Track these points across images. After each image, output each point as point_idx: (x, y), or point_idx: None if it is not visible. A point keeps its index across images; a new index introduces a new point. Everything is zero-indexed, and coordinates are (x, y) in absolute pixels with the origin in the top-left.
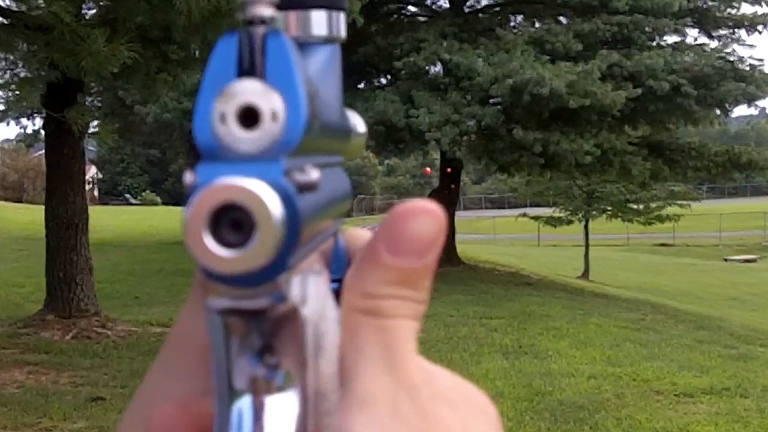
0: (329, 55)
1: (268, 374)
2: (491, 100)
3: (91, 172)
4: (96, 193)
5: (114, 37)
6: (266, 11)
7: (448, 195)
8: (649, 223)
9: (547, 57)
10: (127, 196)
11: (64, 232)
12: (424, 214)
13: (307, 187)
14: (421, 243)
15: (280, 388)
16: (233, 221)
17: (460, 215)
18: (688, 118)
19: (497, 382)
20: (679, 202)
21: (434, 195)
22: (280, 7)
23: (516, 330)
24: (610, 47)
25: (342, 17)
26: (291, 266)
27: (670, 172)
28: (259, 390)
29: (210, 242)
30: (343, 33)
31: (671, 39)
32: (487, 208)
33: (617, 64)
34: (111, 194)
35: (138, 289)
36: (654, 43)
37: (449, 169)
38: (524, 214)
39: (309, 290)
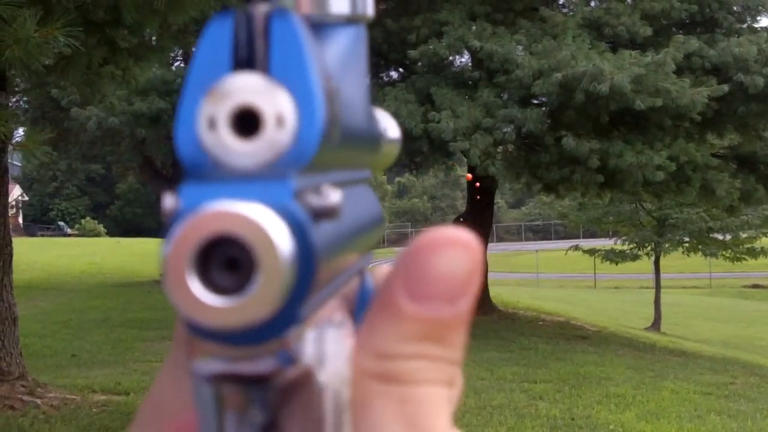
0: (353, 40)
1: None
2: (534, 101)
3: (15, 193)
4: (20, 220)
5: (47, 20)
6: None
7: (477, 223)
8: (738, 259)
9: (607, 44)
10: (61, 224)
11: None
12: (453, 247)
13: (324, 214)
14: (452, 285)
15: None
16: (228, 260)
17: (493, 248)
18: None
19: None
20: None
21: (460, 223)
22: None
23: (567, 397)
24: (688, 31)
25: None
26: (303, 318)
27: (766, 193)
28: None
29: (197, 287)
30: (370, 10)
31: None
32: (528, 239)
33: (697, 54)
34: (40, 222)
35: (75, 345)
36: (745, 26)
37: (477, 184)
38: (576, 247)
39: (327, 348)
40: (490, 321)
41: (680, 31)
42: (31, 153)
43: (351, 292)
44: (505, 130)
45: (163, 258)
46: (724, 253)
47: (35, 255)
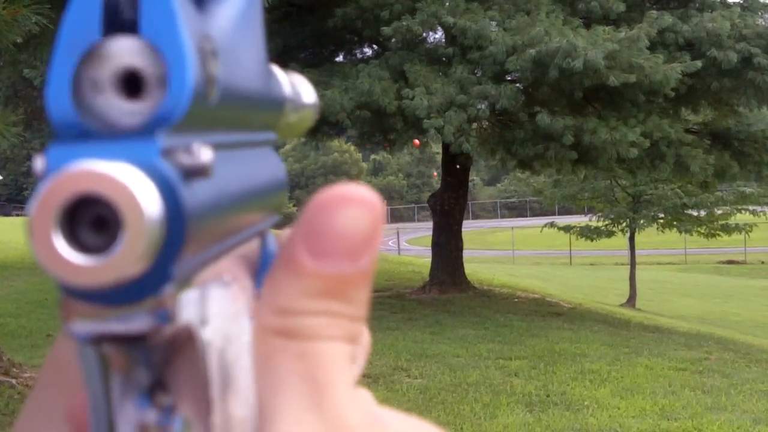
0: (245, 4)
1: (162, 419)
2: (508, 77)
3: None
4: None
5: None
6: None
7: (452, 200)
8: (713, 235)
9: (581, 20)
10: None
11: None
12: (353, 204)
13: (195, 172)
14: (352, 241)
15: None
16: (95, 219)
17: (468, 226)
18: (762, 99)
19: None
20: (751, 207)
21: (435, 200)
22: None
23: (542, 374)
24: (662, 7)
25: None
26: (177, 276)
27: (740, 169)
28: None
29: (62, 246)
30: None
31: None
32: (503, 216)
33: (670, 29)
34: (14, 201)
35: (51, 325)
36: (718, 1)
37: (457, 166)
38: (552, 224)
39: (211, 307)
40: (465, 298)
41: (654, 7)
42: (2, 134)
43: (252, 253)
44: (479, 106)
45: (29, 218)
46: (698, 229)
47: (10, 234)
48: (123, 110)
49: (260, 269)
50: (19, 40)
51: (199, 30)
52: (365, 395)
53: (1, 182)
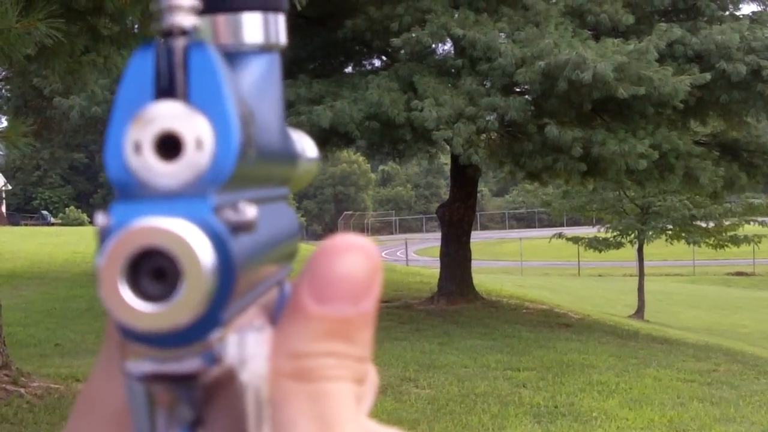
0: (267, 67)
1: None
2: (517, 89)
3: None
4: (3, 209)
5: (29, 10)
6: (187, 20)
7: (461, 210)
8: (722, 247)
9: (590, 32)
10: (45, 213)
11: None
12: (353, 252)
13: (241, 228)
14: (353, 286)
15: None
16: (155, 270)
17: (477, 237)
18: None
19: None
20: (760, 218)
21: (444, 211)
22: (206, 10)
23: (550, 385)
24: (671, 19)
25: (281, 20)
26: (225, 321)
27: (749, 180)
28: None
29: (128, 295)
30: (283, 38)
31: (749, 8)
32: (512, 227)
33: (679, 42)
34: (23, 211)
35: (59, 335)
36: (727, 14)
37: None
38: (560, 235)
39: (248, 350)
40: (474, 309)
41: (662, 19)
42: (13, 143)
43: (271, 301)
44: (488, 118)
45: (97, 269)
46: (707, 240)
47: (18, 244)
48: (164, 169)
49: (276, 315)
50: (31, 52)
51: (237, 94)
52: (374, 428)
53: (11, 192)
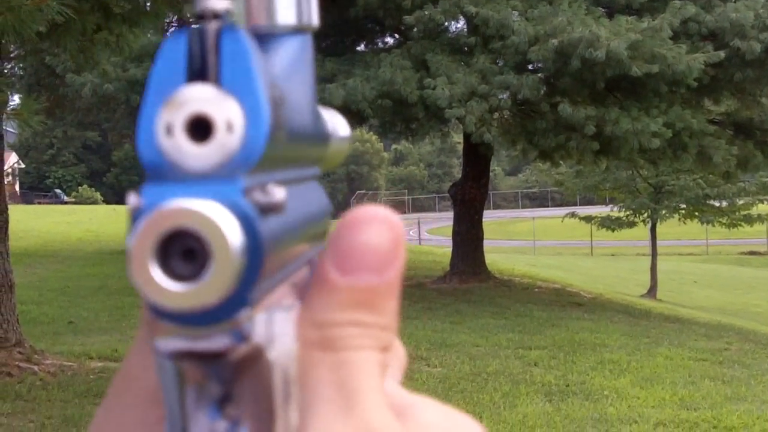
0: (299, 48)
1: (230, 429)
2: (530, 67)
3: (11, 161)
4: (17, 188)
5: None
6: (220, 3)
7: (473, 190)
8: (735, 226)
9: (603, 10)
10: (58, 191)
11: None
12: (375, 223)
13: (270, 209)
14: (377, 256)
15: None
16: (185, 250)
17: (489, 216)
18: None
19: (538, 431)
20: None
21: (456, 190)
22: None
23: (562, 364)
24: None
25: (314, 2)
26: (253, 301)
27: (764, 159)
28: None
29: (158, 275)
30: (315, 20)
31: None
32: (524, 206)
33: (693, 19)
34: (36, 190)
35: (72, 313)
36: None
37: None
38: (573, 214)
39: (276, 328)
40: (486, 288)
41: None
42: (26, 121)
43: (302, 280)
44: (500, 96)
45: (129, 249)
46: (720, 219)
47: (32, 222)
48: (195, 151)
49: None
50: (42, 29)
51: (268, 77)
52: (398, 395)
53: (24, 170)
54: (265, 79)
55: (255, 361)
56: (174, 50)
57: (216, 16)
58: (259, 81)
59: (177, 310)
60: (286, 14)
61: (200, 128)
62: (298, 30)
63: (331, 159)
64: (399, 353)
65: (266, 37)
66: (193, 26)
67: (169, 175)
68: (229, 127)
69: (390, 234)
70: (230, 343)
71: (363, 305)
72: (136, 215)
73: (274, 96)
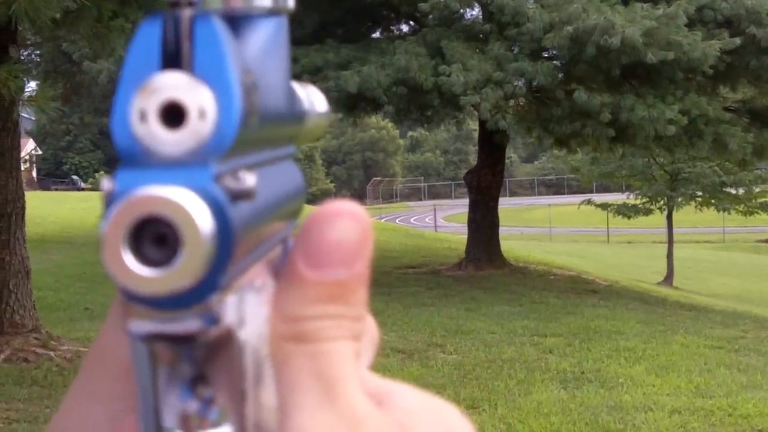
0: (274, 30)
1: (202, 409)
2: (545, 54)
3: (28, 147)
4: (34, 174)
5: None
6: None
7: (489, 177)
8: (752, 213)
9: None
10: (75, 178)
11: None
12: (342, 217)
13: (241, 195)
14: (345, 250)
15: (215, 424)
16: (156, 235)
17: (505, 203)
18: None
19: (553, 418)
20: None
21: (472, 177)
22: None
23: (577, 351)
24: None
25: None
26: (223, 285)
27: None
28: (191, 428)
29: (130, 260)
30: (290, 3)
31: None
32: (540, 193)
33: (709, 6)
34: (53, 176)
35: (88, 299)
36: None
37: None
38: (589, 201)
39: (247, 310)
40: (501, 275)
41: None
42: (42, 107)
43: (274, 257)
44: (516, 83)
45: (101, 235)
46: (737, 207)
47: (49, 208)
48: (168, 137)
49: (280, 271)
50: (57, 15)
51: (241, 64)
52: (376, 382)
53: (41, 157)
54: (238, 65)
55: (226, 342)
56: (148, 36)
57: (190, 3)
58: (231, 68)
59: (149, 294)
60: None
61: (173, 115)
62: (273, 12)
63: (308, 135)
64: (372, 333)
65: (242, 19)
66: (167, 12)
67: (142, 161)
68: (201, 114)
69: (358, 228)
70: (201, 325)
71: (334, 298)
72: (109, 200)
73: (247, 82)
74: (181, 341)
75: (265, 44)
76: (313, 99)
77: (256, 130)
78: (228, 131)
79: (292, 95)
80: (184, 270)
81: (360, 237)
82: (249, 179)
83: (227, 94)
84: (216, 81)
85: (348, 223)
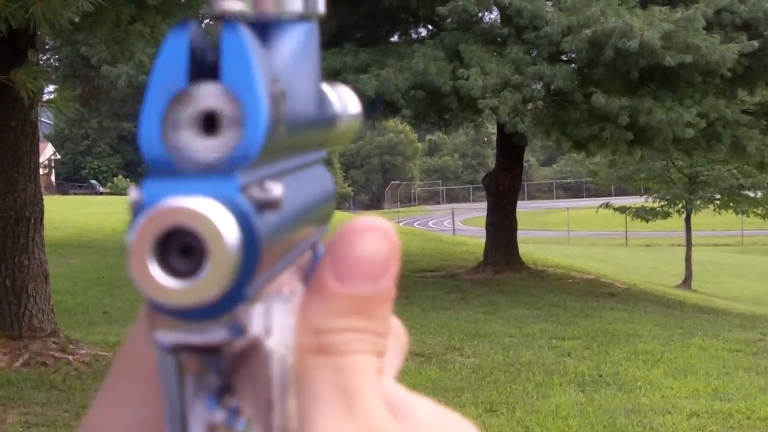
0: (304, 36)
1: (229, 419)
2: (563, 57)
3: (47, 152)
4: (53, 178)
5: None
6: (236, 5)
7: (507, 180)
8: None
9: (637, 0)
10: (93, 182)
11: (12, 228)
12: (371, 232)
13: (267, 205)
14: (372, 265)
15: None
16: (183, 247)
17: (523, 206)
18: None
19: (570, 421)
20: None
21: (490, 180)
22: None
23: (595, 354)
24: None
25: None
26: (250, 296)
27: None
28: None
29: (156, 271)
30: (321, 7)
31: None
32: (559, 197)
33: (727, 9)
34: (72, 180)
35: (107, 303)
36: None
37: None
38: (607, 205)
39: (274, 320)
40: (519, 278)
41: None
42: (61, 110)
43: (304, 262)
44: (534, 87)
45: (127, 245)
46: (755, 210)
47: (67, 213)
48: (201, 146)
49: (310, 278)
50: (75, 19)
51: (269, 73)
52: (396, 395)
53: (60, 161)
54: (266, 74)
55: (253, 352)
56: (176, 45)
57: (235, 17)
58: (258, 78)
59: (175, 305)
60: (293, 1)
61: (200, 125)
62: (304, 17)
63: (339, 138)
64: (400, 338)
65: (273, 24)
66: (194, 23)
67: (169, 171)
68: (229, 125)
69: (385, 244)
70: (228, 336)
71: (359, 312)
72: (136, 210)
73: (275, 91)
74: (208, 352)
75: (296, 50)
76: (345, 100)
77: (284, 138)
78: (254, 142)
79: (322, 100)
80: (210, 281)
81: (388, 253)
82: (275, 189)
83: (254, 105)
84: (243, 91)
85: (377, 239)
